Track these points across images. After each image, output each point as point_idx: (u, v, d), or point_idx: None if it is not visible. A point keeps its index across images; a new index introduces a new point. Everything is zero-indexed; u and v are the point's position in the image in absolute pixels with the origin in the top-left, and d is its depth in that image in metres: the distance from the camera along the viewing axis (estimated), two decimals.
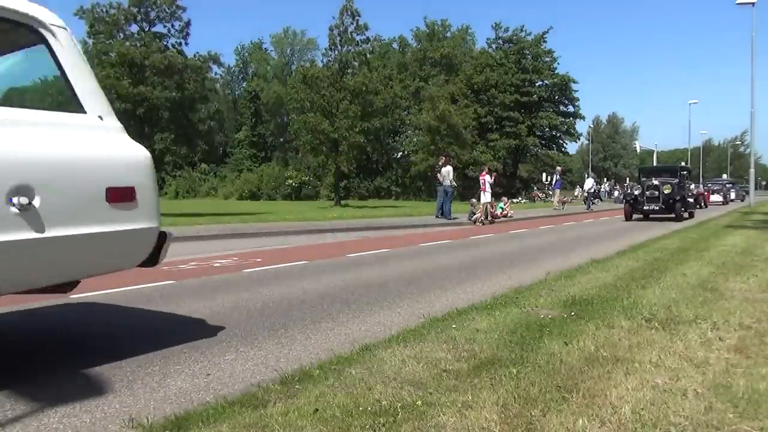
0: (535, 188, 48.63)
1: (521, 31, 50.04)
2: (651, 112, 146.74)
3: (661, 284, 5.42)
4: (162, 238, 3.46)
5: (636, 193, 17.94)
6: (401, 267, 7.46)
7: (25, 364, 3.35)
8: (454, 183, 18.31)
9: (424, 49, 56.48)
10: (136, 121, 20.03)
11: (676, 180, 17.88)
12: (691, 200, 19.09)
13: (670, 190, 17.05)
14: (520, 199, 40.67)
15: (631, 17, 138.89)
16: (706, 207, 28.18)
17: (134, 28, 21.00)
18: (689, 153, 58.52)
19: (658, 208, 16.99)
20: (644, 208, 17.25)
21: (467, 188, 34.80)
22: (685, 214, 18.22)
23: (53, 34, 3.06)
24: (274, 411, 2.43)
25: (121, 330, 4.11)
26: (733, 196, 41.58)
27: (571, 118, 50.55)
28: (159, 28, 21.29)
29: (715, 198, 34.51)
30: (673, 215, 17.01)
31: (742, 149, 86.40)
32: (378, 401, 2.51)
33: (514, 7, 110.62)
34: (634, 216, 18.00)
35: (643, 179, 18.32)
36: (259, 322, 4.34)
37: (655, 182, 17.36)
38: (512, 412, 2.39)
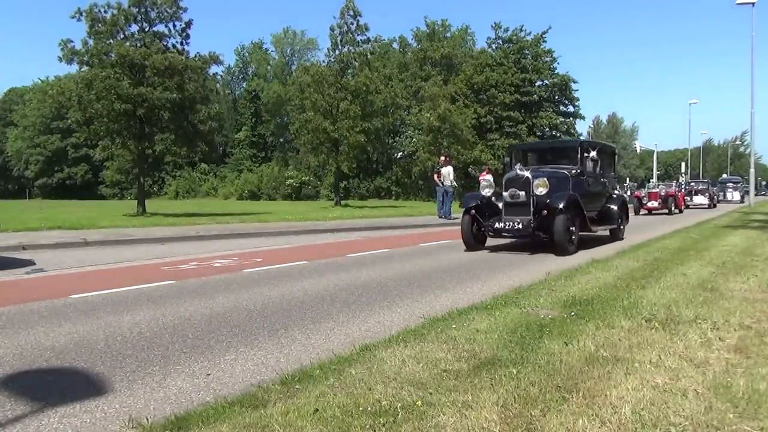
0: None
1: (521, 31, 50.12)
2: (651, 112, 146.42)
3: (661, 284, 5.42)
4: None
5: (487, 194, 9.53)
6: (401, 267, 7.45)
7: (25, 363, 3.35)
8: (455, 183, 18.31)
9: (424, 49, 56.45)
10: (137, 121, 20.01)
11: (572, 170, 9.71)
12: (614, 207, 10.86)
13: (546, 190, 8.79)
14: None
15: (631, 17, 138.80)
16: (681, 212, 22.98)
17: (134, 28, 20.98)
18: (689, 153, 58.49)
19: (521, 226, 8.70)
20: (496, 225, 9.02)
21: (468, 188, 34.80)
22: (602, 230, 10.72)
23: None
24: (274, 411, 2.43)
25: (121, 330, 4.11)
26: (737, 196, 38.09)
27: (571, 118, 50.60)
28: (160, 28, 21.27)
29: (699, 200, 29.31)
30: (554, 240, 8.60)
31: (742, 149, 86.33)
32: (378, 401, 2.51)
33: (514, 7, 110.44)
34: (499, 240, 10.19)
35: (510, 173, 9.50)
36: (259, 322, 4.34)
37: (523, 173, 9.07)
38: (512, 412, 2.39)
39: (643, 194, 23.32)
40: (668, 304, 4.46)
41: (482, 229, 9.44)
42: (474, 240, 9.42)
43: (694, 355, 3.17)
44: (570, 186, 9.35)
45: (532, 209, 8.86)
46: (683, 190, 27.46)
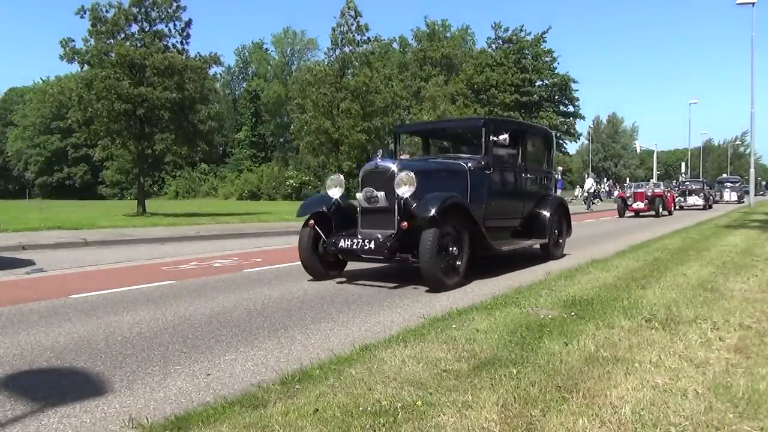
0: None
1: (521, 31, 50.18)
2: (651, 112, 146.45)
3: (661, 284, 5.42)
4: None
5: (335, 195, 6.46)
6: (401, 266, 7.44)
7: (25, 363, 3.35)
8: None
9: (425, 49, 56.55)
10: (137, 121, 20.03)
11: (471, 161, 6.97)
12: (545, 213, 7.95)
13: (411, 189, 5.77)
14: None
15: (631, 17, 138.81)
16: (671, 214, 21.52)
17: (134, 28, 21.00)
18: (689, 153, 58.48)
19: (373, 245, 5.76)
20: (340, 243, 6.00)
21: None
22: (530, 245, 7.87)
23: None
24: (274, 411, 2.43)
25: (121, 330, 4.11)
26: (734, 197, 36.38)
27: (571, 118, 50.67)
28: (159, 27, 21.27)
29: (693, 201, 27.74)
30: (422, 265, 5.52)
31: (742, 149, 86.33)
32: (378, 401, 2.51)
33: (514, 7, 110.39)
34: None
35: (368, 164, 6.49)
36: (259, 322, 4.34)
37: (386, 164, 6.13)
38: (512, 412, 2.39)
39: (628, 194, 21.22)
40: (668, 304, 4.46)
41: (322, 255, 6.31)
42: (320, 263, 6.30)
43: (694, 355, 3.17)
44: (467, 184, 6.59)
45: (397, 218, 5.82)
46: (673, 190, 25.77)
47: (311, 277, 6.41)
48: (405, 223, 5.66)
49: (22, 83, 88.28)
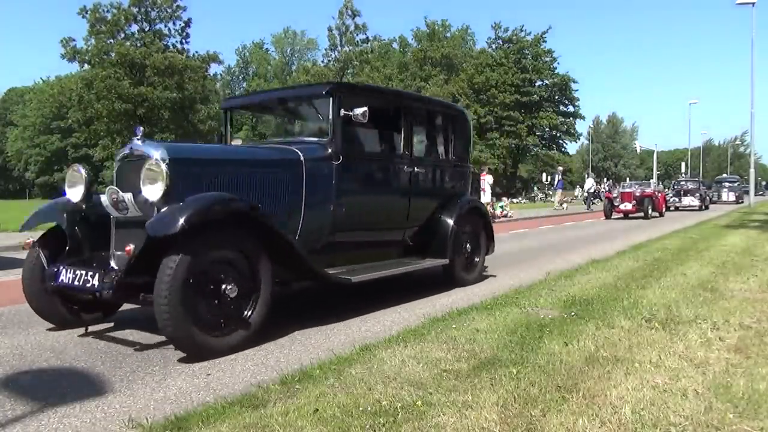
0: (535, 188, 48.66)
1: (521, 31, 50.10)
2: (651, 112, 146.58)
3: (661, 284, 5.42)
4: None
5: (74, 197, 4.10)
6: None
7: (24, 363, 3.35)
8: None
9: (425, 49, 56.48)
10: (137, 121, 20.11)
11: (310, 146, 4.74)
12: (448, 221, 5.66)
13: (161, 189, 3.56)
14: (520, 199, 40.72)
15: (631, 17, 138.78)
16: (662, 215, 20.02)
17: (134, 28, 21.07)
18: (689, 153, 58.45)
19: (96, 281, 3.53)
20: (62, 277, 3.71)
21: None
22: (422, 267, 5.53)
23: None
24: (274, 411, 2.43)
25: (122, 330, 4.11)
26: (732, 197, 35.30)
27: (571, 118, 50.56)
28: (159, 27, 21.33)
29: (689, 201, 25.75)
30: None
31: (742, 149, 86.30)
32: (378, 401, 2.51)
33: (514, 7, 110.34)
34: None
35: (123, 149, 4.15)
36: None
37: (143, 149, 3.84)
38: (512, 412, 2.39)
39: (615, 195, 19.55)
40: (668, 304, 4.47)
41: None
42: (61, 303, 4.06)
43: (694, 355, 3.17)
44: (301, 180, 4.46)
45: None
46: (665, 190, 24.48)
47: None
48: (129, 247, 3.56)
49: (22, 83, 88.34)
